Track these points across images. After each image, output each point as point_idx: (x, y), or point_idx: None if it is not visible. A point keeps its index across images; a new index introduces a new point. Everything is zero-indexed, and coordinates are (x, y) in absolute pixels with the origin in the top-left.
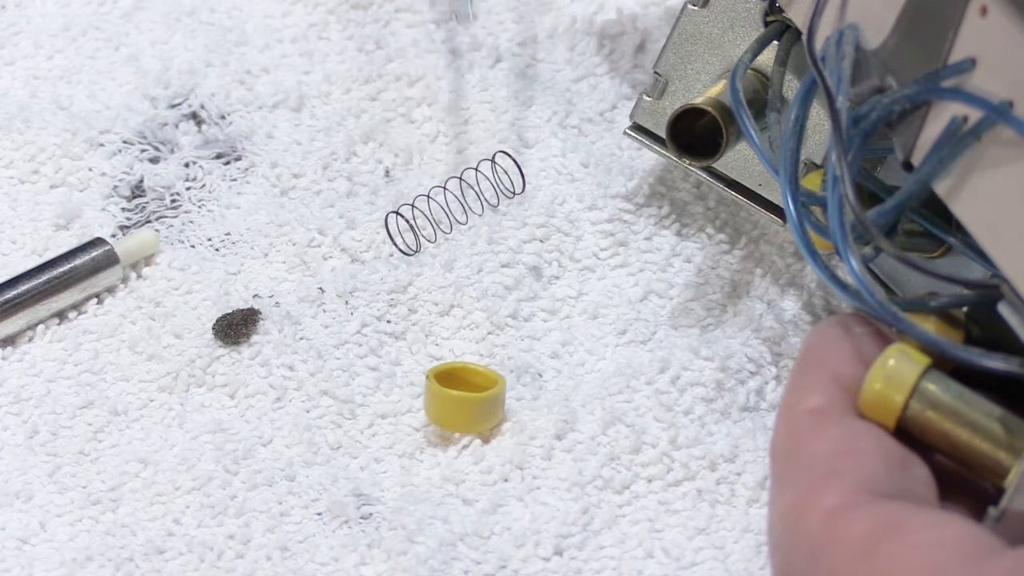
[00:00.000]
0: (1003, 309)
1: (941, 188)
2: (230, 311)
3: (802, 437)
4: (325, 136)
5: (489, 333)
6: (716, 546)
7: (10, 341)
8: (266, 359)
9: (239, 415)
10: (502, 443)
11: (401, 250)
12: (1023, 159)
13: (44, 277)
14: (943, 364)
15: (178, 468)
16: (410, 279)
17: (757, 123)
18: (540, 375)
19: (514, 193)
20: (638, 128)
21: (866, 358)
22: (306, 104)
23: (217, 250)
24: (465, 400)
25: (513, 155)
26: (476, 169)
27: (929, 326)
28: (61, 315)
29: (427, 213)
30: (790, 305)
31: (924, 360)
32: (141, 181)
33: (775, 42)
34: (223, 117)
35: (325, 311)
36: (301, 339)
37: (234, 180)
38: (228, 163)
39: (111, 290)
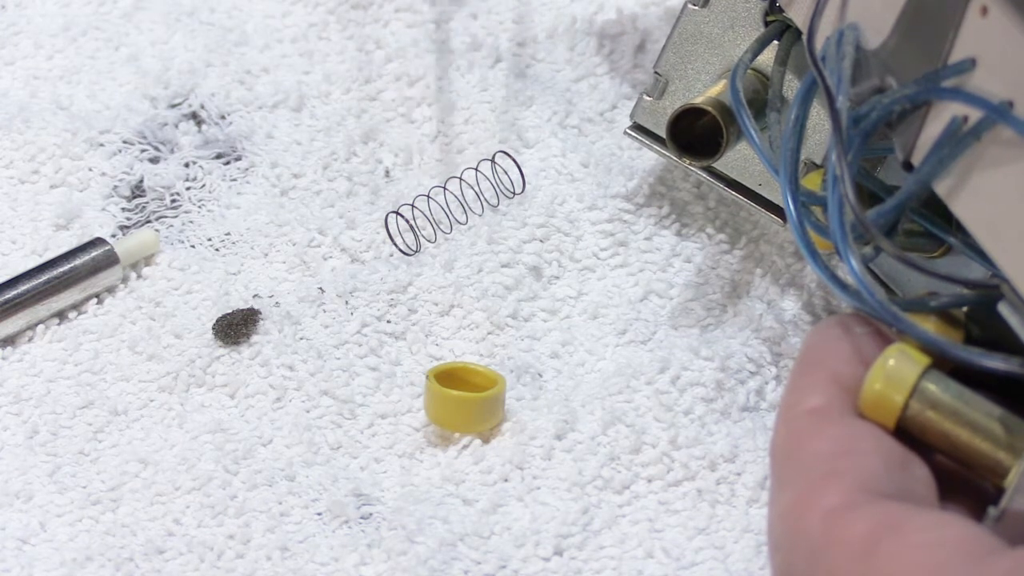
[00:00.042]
0: (1003, 309)
1: (941, 188)
2: (230, 311)
3: (802, 437)
4: (325, 136)
5: (489, 333)
6: (716, 546)
7: (10, 341)
8: (266, 359)
9: (239, 415)
10: (502, 443)
11: (401, 250)
12: (1023, 159)
13: (44, 277)
14: (943, 364)
15: (178, 468)
16: (410, 279)
17: (757, 123)
18: (540, 375)
19: (514, 193)
20: (638, 128)
21: (866, 358)
22: (306, 104)
23: (217, 250)
24: (465, 400)
25: (513, 155)
26: (476, 169)
27: (929, 326)
28: (61, 315)
29: (427, 213)
30: (790, 305)
31: (924, 360)
32: (141, 181)
33: (775, 42)
34: (223, 117)
35: (325, 311)
36: (301, 339)
37: (234, 180)
38: (228, 163)
39: (111, 290)
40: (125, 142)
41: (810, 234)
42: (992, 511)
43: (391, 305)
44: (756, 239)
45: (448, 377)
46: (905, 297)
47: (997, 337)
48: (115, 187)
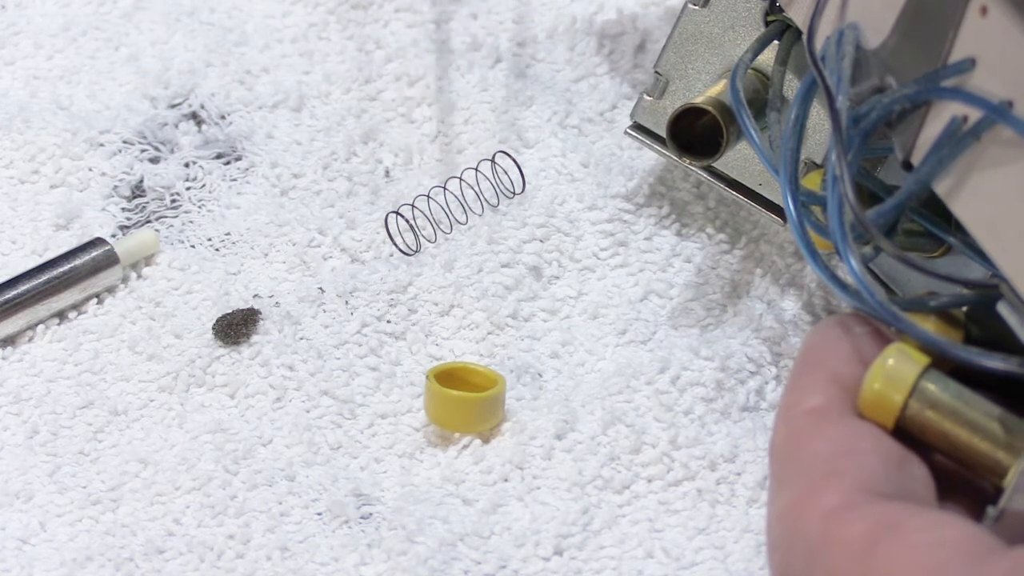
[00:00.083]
0: (1002, 309)
1: (941, 188)
2: (230, 311)
3: (801, 437)
4: (325, 136)
5: (489, 333)
6: (716, 546)
7: (10, 341)
8: (266, 359)
9: (239, 415)
10: (502, 443)
11: (401, 250)
12: (1023, 159)
13: (44, 277)
14: (942, 364)
15: (178, 468)
16: (410, 279)
17: (757, 122)
18: (540, 375)
19: (514, 193)
20: (639, 127)
21: (866, 358)
22: (306, 104)
23: (217, 250)
24: (465, 400)
25: (513, 155)
26: (476, 169)
27: (929, 326)
28: (61, 315)
29: (427, 213)
30: (790, 305)
31: (923, 360)
32: (141, 181)
33: (775, 42)
34: (223, 117)
35: (325, 311)
36: (301, 339)
37: (234, 180)
38: (228, 163)
39: (111, 290)
40: (125, 142)
41: (810, 234)
42: (991, 511)
43: (391, 305)
44: (756, 239)
45: (448, 377)
46: (905, 297)
47: (996, 337)
48: (115, 187)
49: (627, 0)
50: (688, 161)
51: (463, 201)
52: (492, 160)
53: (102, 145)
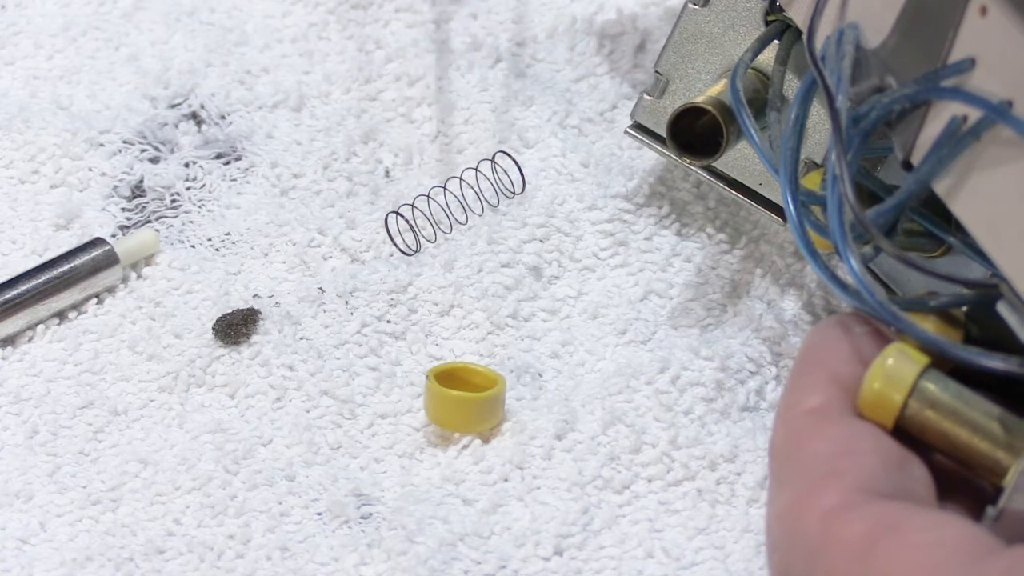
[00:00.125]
0: (1002, 308)
1: (941, 188)
2: (230, 311)
3: (801, 437)
4: (325, 136)
5: (489, 333)
6: (716, 546)
7: (10, 341)
8: (266, 359)
9: (239, 415)
10: (502, 443)
11: (401, 250)
12: (1023, 159)
13: (44, 277)
14: (942, 364)
15: (178, 468)
16: (410, 279)
17: (757, 122)
18: (540, 375)
19: (514, 193)
20: (639, 127)
21: (865, 358)
22: (306, 104)
23: (217, 250)
24: (465, 400)
25: (513, 155)
26: (476, 169)
27: (928, 325)
28: (61, 315)
29: (427, 213)
30: (790, 305)
31: (923, 359)
32: (141, 181)
33: (776, 41)
34: (223, 117)
35: (325, 311)
36: (301, 339)
37: (234, 180)
38: (228, 163)
39: (111, 290)
40: (125, 142)
41: (810, 234)
42: (990, 510)
43: (391, 305)
44: (756, 239)
45: (448, 377)
46: (905, 297)
47: (996, 337)
48: (115, 187)
49: (627, 0)
50: (688, 161)
51: (463, 201)
52: (492, 160)
53: (102, 145)
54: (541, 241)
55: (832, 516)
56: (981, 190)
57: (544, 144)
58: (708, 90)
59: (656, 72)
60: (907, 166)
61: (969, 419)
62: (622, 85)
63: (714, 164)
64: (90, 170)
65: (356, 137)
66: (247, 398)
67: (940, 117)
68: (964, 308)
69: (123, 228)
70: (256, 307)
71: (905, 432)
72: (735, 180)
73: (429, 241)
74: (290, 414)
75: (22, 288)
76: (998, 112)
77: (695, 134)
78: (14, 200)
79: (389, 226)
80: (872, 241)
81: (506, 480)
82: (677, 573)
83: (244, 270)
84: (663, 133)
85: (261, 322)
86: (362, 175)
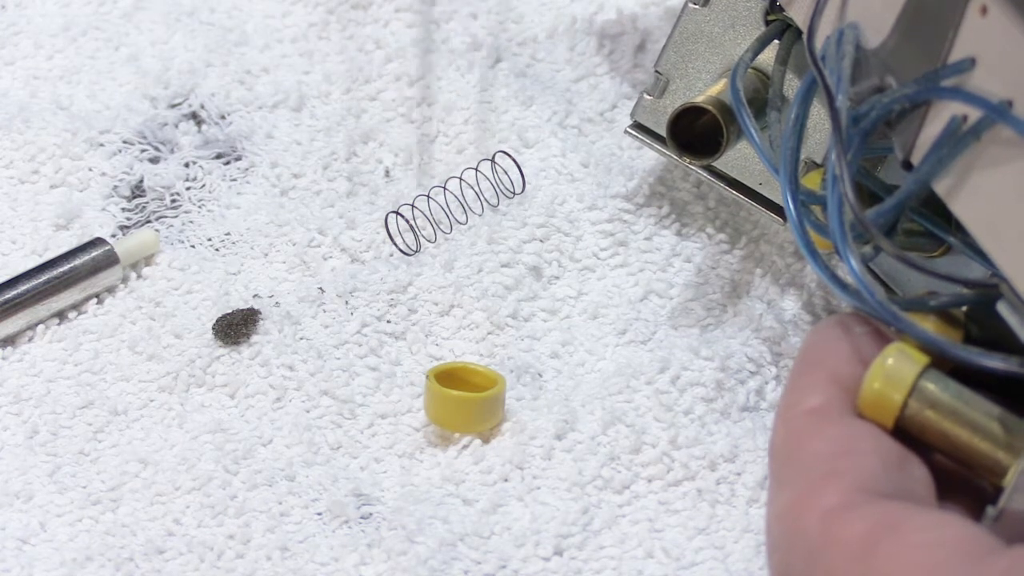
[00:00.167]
0: (1002, 308)
1: (941, 187)
2: (230, 311)
3: (801, 437)
4: (325, 136)
5: (489, 333)
6: (716, 546)
7: (10, 341)
8: (266, 359)
9: (239, 415)
10: (502, 443)
11: (401, 250)
12: (1023, 159)
13: (44, 277)
14: (942, 363)
15: (178, 468)
16: (410, 279)
17: (757, 122)
18: (540, 375)
19: (514, 193)
20: (639, 127)
21: (865, 358)
22: (306, 104)
23: (217, 250)
24: (465, 400)
25: (513, 155)
26: (476, 169)
27: (928, 325)
28: (61, 315)
29: (427, 213)
30: (790, 305)
31: (923, 359)
32: (141, 181)
33: (776, 41)
34: (223, 117)
35: (325, 311)
36: (301, 339)
37: (234, 180)
38: (228, 163)
39: (111, 290)
40: (125, 142)
41: (810, 233)
42: (990, 510)
43: (391, 305)
44: (756, 239)
45: (448, 377)
46: (905, 297)
47: (996, 337)
48: (115, 187)
49: (627, 0)
50: (688, 161)
51: (463, 201)
52: (492, 160)
53: (102, 145)
54: (541, 241)
55: (832, 516)
56: (981, 190)
57: (544, 144)
58: (708, 90)
59: (656, 72)
60: (907, 166)
61: (969, 419)
62: (622, 85)
63: (714, 164)
64: (90, 170)
65: (356, 137)
66: (247, 398)
67: (940, 117)
68: (964, 308)
69: (123, 228)
70: (256, 307)
71: (905, 432)
72: (735, 180)
73: (429, 241)
74: (290, 414)
75: (22, 288)
76: (998, 112)
77: (695, 134)
78: (14, 200)
79: (389, 226)
80: (872, 241)
81: (506, 480)
82: (677, 573)
83: (244, 270)
84: (663, 133)
85: (261, 322)
86: (362, 175)
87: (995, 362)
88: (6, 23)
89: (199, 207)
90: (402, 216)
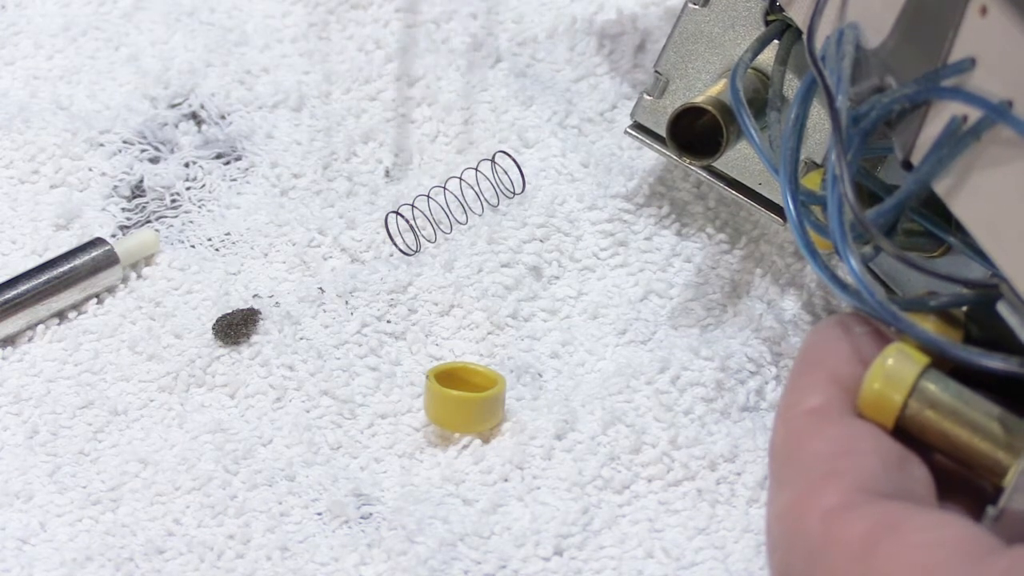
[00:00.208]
0: (1002, 308)
1: (941, 188)
2: (230, 311)
3: (801, 437)
4: (325, 136)
5: (489, 333)
6: (716, 546)
7: (10, 341)
8: (266, 359)
9: (239, 415)
10: (502, 443)
11: (401, 250)
12: (1023, 159)
13: (44, 277)
14: (942, 364)
15: (178, 468)
16: (410, 279)
17: (757, 122)
18: (540, 375)
19: (514, 193)
20: (639, 127)
21: (865, 358)
22: (306, 104)
23: (217, 250)
24: (465, 400)
25: (513, 155)
26: (476, 169)
27: (928, 325)
28: (61, 315)
29: (427, 213)
30: (790, 305)
31: (923, 359)
32: (141, 181)
33: (776, 41)
34: (223, 117)
35: (325, 311)
36: (301, 339)
37: (234, 180)
38: (228, 163)
39: (111, 290)
40: (125, 142)
41: (810, 233)
42: (991, 510)
43: (391, 305)
44: (756, 239)
45: (448, 377)
46: (905, 297)
47: (996, 337)
48: (115, 187)
49: (627, 0)
50: (688, 161)
51: (463, 201)
52: (492, 160)
53: (102, 145)
54: (541, 241)
55: (832, 516)
56: (981, 190)
57: (544, 144)
58: (708, 90)
59: (656, 72)
60: (907, 166)
61: (969, 419)
62: (622, 85)
63: (714, 164)
64: (90, 170)
65: (356, 137)
66: (247, 398)
67: (940, 117)
68: (964, 308)
69: (123, 228)
70: (256, 307)
71: (905, 432)
72: (735, 180)
73: (429, 241)
74: (290, 414)
75: (22, 288)
76: (998, 112)
77: (695, 134)
78: (14, 200)
79: (389, 226)
80: (872, 241)
81: (506, 480)
82: (677, 573)
83: (244, 270)
84: (663, 133)
85: (261, 322)
86: (362, 175)
87: (995, 362)
88: (6, 23)
89: (199, 207)
90: (402, 216)
